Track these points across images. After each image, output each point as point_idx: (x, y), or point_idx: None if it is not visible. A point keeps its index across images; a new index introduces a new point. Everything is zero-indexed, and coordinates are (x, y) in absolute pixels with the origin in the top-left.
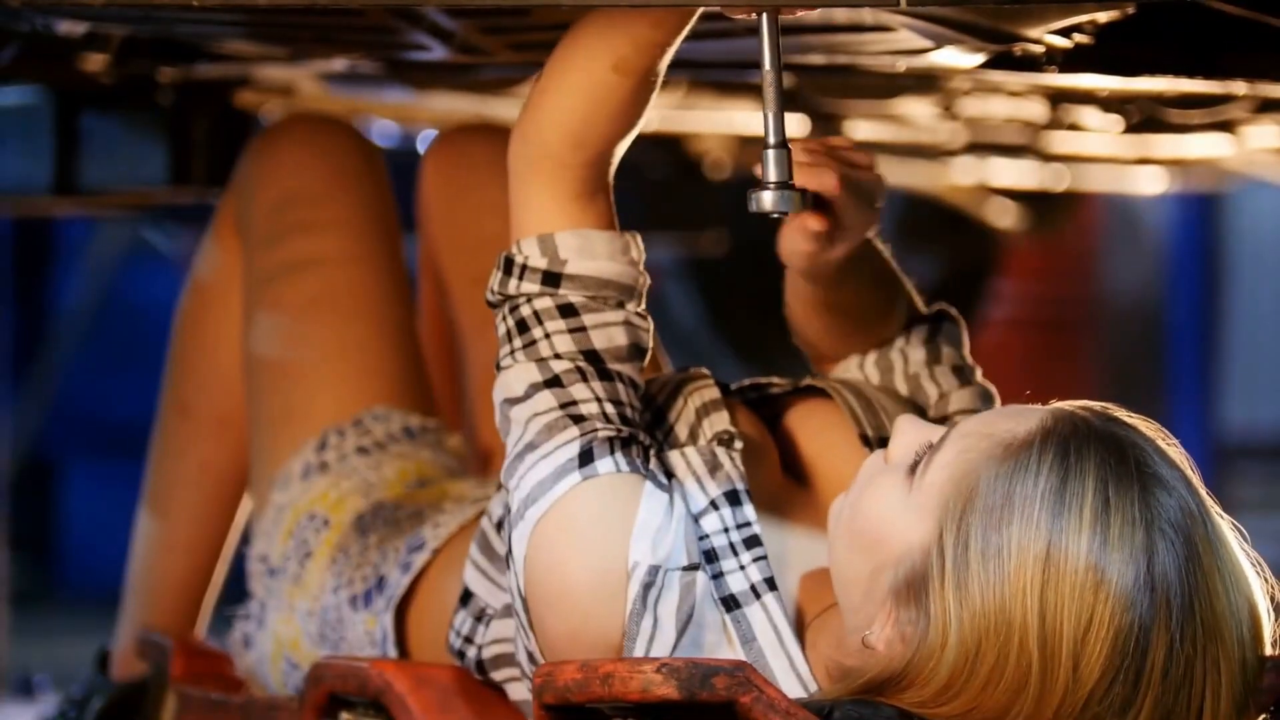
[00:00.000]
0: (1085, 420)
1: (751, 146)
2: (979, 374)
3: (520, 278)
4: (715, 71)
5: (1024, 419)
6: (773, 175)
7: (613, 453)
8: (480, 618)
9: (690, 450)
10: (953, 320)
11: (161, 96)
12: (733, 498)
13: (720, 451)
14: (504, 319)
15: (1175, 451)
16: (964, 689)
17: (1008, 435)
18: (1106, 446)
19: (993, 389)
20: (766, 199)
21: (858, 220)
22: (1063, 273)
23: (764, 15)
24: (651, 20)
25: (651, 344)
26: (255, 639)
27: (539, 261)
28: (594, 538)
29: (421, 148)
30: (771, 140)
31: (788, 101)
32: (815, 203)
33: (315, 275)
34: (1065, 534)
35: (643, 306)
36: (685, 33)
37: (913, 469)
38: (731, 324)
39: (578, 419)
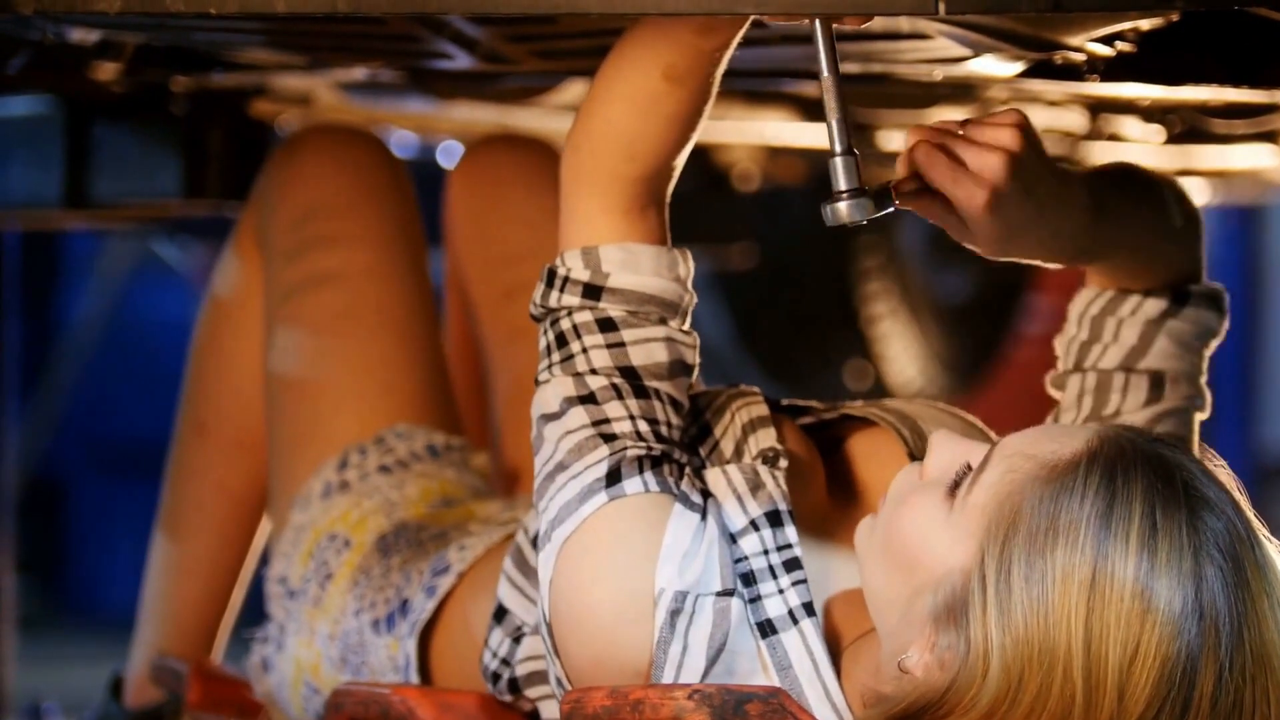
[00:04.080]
0: (1131, 441)
1: (781, 157)
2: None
3: (562, 290)
4: (743, 80)
5: (1069, 439)
6: (843, 184)
7: (641, 472)
8: (517, 637)
9: (732, 468)
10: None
11: (175, 106)
12: (774, 518)
13: (763, 470)
14: (545, 332)
15: (1222, 473)
16: (1005, 718)
17: (1053, 457)
18: (1153, 469)
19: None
20: (841, 210)
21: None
22: None
23: (817, 22)
24: (699, 27)
25: (697, 360)
26: (274, 662)
27: (581, 274)
28: (618, 561)
29: (441, 158)
30: (838, 148)
31: (822, 111)
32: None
33: (338, 290)
34: (1111, 559)
35: (687, 324)
36: (737, 40)
37: (952, 489)
38: (760, 339)
39: (609, 438)
